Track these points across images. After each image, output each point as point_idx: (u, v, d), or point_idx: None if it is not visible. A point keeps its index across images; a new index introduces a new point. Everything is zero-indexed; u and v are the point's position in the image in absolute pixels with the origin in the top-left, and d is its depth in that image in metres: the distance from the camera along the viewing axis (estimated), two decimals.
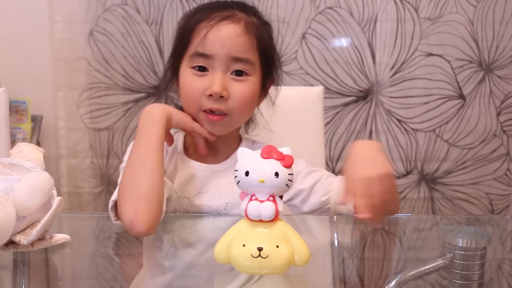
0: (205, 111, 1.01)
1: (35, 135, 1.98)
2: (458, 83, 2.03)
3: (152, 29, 2.01)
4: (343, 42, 2.01)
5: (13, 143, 1.37)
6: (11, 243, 0.80)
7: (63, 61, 2.02)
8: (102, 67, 2.03)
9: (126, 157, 1.05)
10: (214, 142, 1.06)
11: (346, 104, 2.04)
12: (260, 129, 1.15)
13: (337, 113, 2.05)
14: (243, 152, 0.71)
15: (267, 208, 0.66)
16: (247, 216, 0.68)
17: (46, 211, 0.80)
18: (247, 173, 0.67)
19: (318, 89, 1.43)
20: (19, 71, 2.01)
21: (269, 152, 0.68)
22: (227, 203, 1.04)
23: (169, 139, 1.07)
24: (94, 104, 2.06)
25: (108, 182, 2.10)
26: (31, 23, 2.01)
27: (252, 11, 1.05)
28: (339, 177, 1.06)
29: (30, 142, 1.90)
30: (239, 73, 1.00)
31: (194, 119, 1.04)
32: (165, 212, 0.95)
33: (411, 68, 2.02)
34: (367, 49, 2.01)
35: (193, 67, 1.01)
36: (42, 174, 0.81)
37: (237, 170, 0.68)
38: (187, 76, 1.02)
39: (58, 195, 0.83)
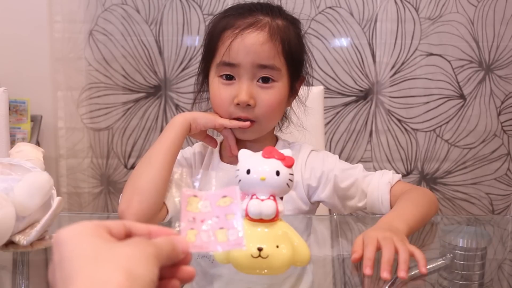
0: (235, 119, 1.03)
1: (35, 135, 1.98)
2: (458, 83, 2.03)
3: (152, 29, 2.01)
4: (343, 42, 2.01)
5: (12, 143, 1.37)
6: (10, 243, 0.79)
7: (62, 61, 2.02)
8: (102, 67, 2.03)
9: None
10: (249, 144, 1.07)
11: (346, 104, 2.04)
12: (293, 127, 1.15)
13: (337, 113, 2.05)
14: (243, 153, 0.71)
15: (268, 206, 0.66)
16: (248, 215, 0.68)
17: (45, 211, 0.80)
18: (248, 172, 0.67)
19: (318, 89, 1.43)
20: (18, 71, 2.01)
21: (270, 153, 0.68)
22: None
23: (210, 140, 1.09)
24: (93, 104, 2.06)
25: (107, 182, 2.10)
26: (31, 23, 2.01)
27: (277, 12, 1.04)
28: (375, 174, 1.06)
29: (29, 142, 1.90)
30: (265, 79, 1.01)
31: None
32: None
33: (411, 68, 2.02)
34: (367, 49, 2.01)
35: (220, 76, 1.02)
36: (41, 174, 0.81)
37: (238, 170, 0.69)
38: (215, 85, 1.03)
39: (57, 195, 0.83)
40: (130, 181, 0.95)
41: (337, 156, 1.11)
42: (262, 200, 0.67)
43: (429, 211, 0.96)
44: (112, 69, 2.03)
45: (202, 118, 1.02)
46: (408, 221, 0.86)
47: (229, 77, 1.01)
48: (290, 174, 0.68)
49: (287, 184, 0.67)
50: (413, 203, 0.95)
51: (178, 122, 1.00)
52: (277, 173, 0.67)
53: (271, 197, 0.67)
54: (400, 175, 1.05)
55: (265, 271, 0.67)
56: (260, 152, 0.69)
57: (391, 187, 1.02)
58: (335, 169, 1.06)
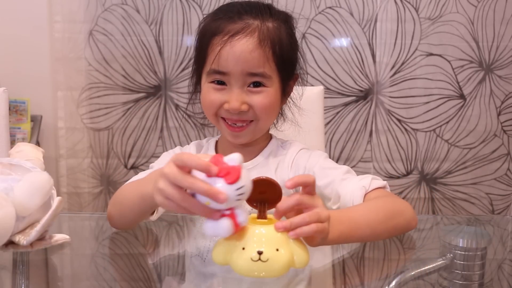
0: (224, 119, 1.03)
1: (35, 135, 1.98)
2: (458, 83, 2.03)
3: (152, 29, 2.01)
4: (343, 42, 2.01)
5: (12, 143, 1.37)
6: (10, 243, 0.79)
7: (62, 61, 2.02)
8: (102, 67, 2.03)
9: (157, 161, 1.10)
10: (241, 145, 1.08)
11: (346, 104, 2.04)
12: (288, 124, 1.15)
13: (337, 113, 2.05)
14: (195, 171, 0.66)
15: (222, 228, 0.64)
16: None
17: (45, 211, 0.80)
18: (193, 195, 0.65)
19: (318, 89, 1.43)
20: (18, 71, 2.01)
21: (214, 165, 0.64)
22: None
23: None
24: (93, 104, 2.06)
25: (107, 182, 2.10)
26: (31, 23, 2.01)
27: (267, 13, 1.02)
28: (355, 178, 0.99)
29: (29, 142, 1.90)
30: (256, 84, 1.01)
31: (216, 126, 1.08)
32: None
33: (411, 68, 2.01)
34: (367, 49, 2.01)
35: (212, 82, 1.02)
36: (41, 174, 0.81)
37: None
38: (206, 90, 1.04)
39: (57, 195, 0.83)
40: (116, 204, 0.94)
41: (326, 155, 1.09)
42: (221, 216, 0.64)
43: (386, 222, 0.86)
44: (112, 69, 2.03)
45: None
46: (345, 224, 0.80)
47: (220, 83, 1.01)
48: (237, 189, 0.63)
49: (237, 199, 0.64)
50: (369, 209, 0.88)
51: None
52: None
53: (227, 211, 0.64)
54: (385, 182, 0.97)
55: (264, 273, 0.66)
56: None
57: (367, 193, 0.94)
58: (315, 166, 1.04)
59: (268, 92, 1.01)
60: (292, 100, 1.13)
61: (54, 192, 0.83)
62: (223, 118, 1.04)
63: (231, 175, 0.63)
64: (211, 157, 0.65)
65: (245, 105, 1.00)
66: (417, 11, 1.99)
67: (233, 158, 0.64)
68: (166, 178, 0.67)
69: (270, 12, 1.03)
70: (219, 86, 1.01)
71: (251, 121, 1.03)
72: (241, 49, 0.98)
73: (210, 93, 1.02)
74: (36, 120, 2.01)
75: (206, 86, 1.03)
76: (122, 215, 0.93)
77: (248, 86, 1.00)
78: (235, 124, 1.03)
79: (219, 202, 0.62)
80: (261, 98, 1.01)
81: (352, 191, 0.95)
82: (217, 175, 0.63)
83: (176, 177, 0.66)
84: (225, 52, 0.98)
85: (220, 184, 0.63)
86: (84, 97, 2.05)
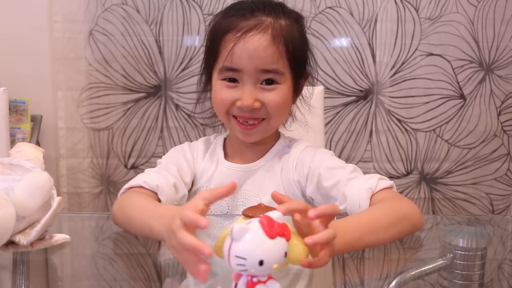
0: (235, 117, 1.03)
1: (35, 135, 1.98)
2: (458, 83, 2.03)
3: (152, 29, 2.01)
4: (343, 42, 2.01)
5: (12, 143, 1.37)
6: (11, 243, 0.80)
7: (62, 61, 2.02)
8: (102, 67, 2.03)
9: (165, 157, 1.11)
10: (250, 143, 1.08)
11: (346, 104, 2.04)
12: (295, 125, 1.14)
13: (337, 113, 2.05)
14: (240, 231, 0.57)
15: None
16: (245, 215, 0.67)
17: (46, 211, 0.80)
18: (261, 262, 0.57)
19: (318, 89, 1.43)
20: (18, 71, 2.01)
21: (271, 227, 0.58)
22: (260, 201, 1.04)
23: None
24: (93, 104, 2.06)
25: (108, 182, 2.10)
26: (31, 23, 2.01)
27: (279, 11, 1.02)
28: (361, 178, 0.98)
29: (29, 142, 1.90)
30: (269, 82, 1.00)
31: (226, 125, 1.08)
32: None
33: (411, 68, 2.02)
34: (367, 49, 2.01)
35: (224, 79, 1.01)
36: (41, 174, 0.81)
37: (246, 259, 0.57)
38: (218, 87, 1.03)
39: (57, 195, 0.83)
40: (125, 213, 0.93)
41: (332, 153, 1.08)
42: (264, 282, 0.60)
43: (391, 228, 0.85)
44: (112, 69, 2.03)
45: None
46: (350, 233, 0.79)
47: (233, 80, 1.01)
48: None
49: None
50: (374, 216, 0.87)
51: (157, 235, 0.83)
52: (285, 254, 0.59)
53: (264, 278, 0.60)
54: (391, 182, 0.96)
55: None
56: (257, 224, 0.58)
57: (374, 194, 0.93)
58: (321, 167, 1.03)
59: (281, 89, 1.01)
60: (303, 98, 1.12)
61: (54, 192, 0.83)
62: (234, 116, 1.03)
63: (287, 233, 0.59)
64: (263, 216, 0.59)
65: (258, 102, 0.99)
66: (417, 11, 1.99)
67: (279, 216, 0.60)
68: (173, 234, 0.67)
69: (283, 10, 1.03)
70: (231, 84, 1.00)
71: (263, 119, 1.02)
72: (255, 45, 0.97)
73: (222, 91, 1.01)
74: (36, 120, 2.01)
75: (218, 84, 1.02)
76: (128, 228, 0.93)
77: (261, 83, 1.00)
78: (247, 122, 1.02)
79: (205, 256, 0.60)
80: (274, 96, 1.00)
81: (358, 192, 0.94)
82: (278, 234, 0.58)
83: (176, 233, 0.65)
84: (238, 48, 0.97)
85: (284, 245, 0.59)
86: (84, 97, 2.05)
